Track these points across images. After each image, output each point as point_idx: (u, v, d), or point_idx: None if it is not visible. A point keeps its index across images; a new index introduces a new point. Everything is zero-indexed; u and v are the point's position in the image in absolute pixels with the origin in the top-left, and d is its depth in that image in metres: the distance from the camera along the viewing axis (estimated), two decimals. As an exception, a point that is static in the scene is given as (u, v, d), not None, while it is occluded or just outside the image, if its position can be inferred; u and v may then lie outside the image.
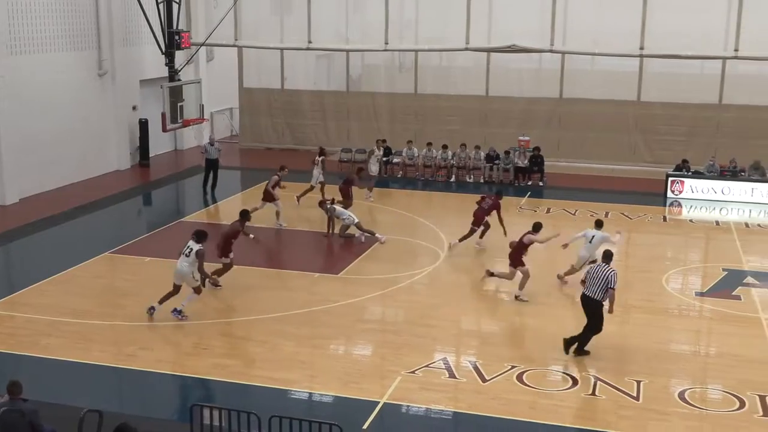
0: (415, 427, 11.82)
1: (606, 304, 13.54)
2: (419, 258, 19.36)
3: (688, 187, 25.57)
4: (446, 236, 20.66)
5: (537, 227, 16.72)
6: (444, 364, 13.51)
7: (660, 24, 26.00)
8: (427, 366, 13.36)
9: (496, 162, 27.72)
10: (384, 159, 27.77)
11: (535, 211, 23.71)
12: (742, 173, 26.02)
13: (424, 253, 19.59)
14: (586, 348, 13.73)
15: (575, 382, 12.93)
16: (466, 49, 27.40)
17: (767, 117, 27.88)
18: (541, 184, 27.08)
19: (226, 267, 16.74)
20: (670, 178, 25.75)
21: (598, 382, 12.88)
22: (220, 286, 16.57)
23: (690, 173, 26.01)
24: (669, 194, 25.60)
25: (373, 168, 25.26)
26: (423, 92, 31.23)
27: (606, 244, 16.31)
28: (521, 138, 28.29)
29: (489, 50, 28.31)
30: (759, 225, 23.09)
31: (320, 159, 23.85)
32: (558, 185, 26.83)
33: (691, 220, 23.71)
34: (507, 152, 27.64)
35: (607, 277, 13.33)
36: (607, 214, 23.07)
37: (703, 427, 11.77)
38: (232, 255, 16.72)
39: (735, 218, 23.55)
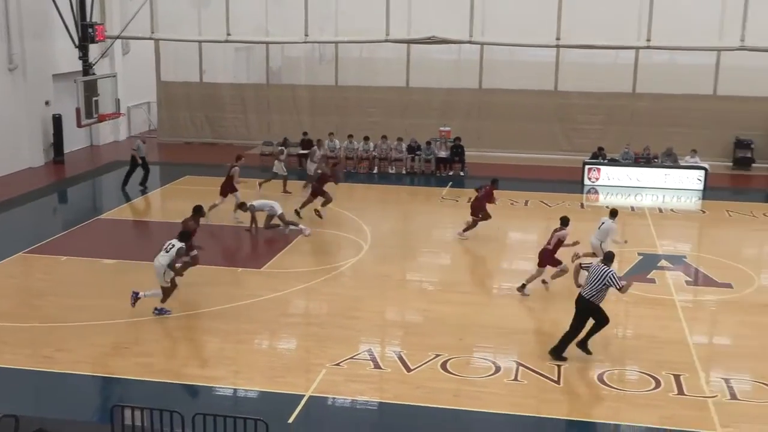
0: (340, 419, 11.83)
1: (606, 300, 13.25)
2: (343, 250, 19.37)
3: (604, 174, 26.20)
4: (369, 228, 20.73)
5: (566, 221, 16.38)
6: (369, 355, 13.55)
7: (575, 14, 26.57)
8: (352, 358, 13.38)
9: (418, 153, 27.91)
10: (305, 152, 27.66)
11: (457, 200, 23.97)
12: (656, 160, 26.80)
13: (348, 245, 19.61)
14: (588, 348, 13.37)
15: (498, 368, 13.13)
16: (386, 40, 27.51)
17: (679, 105, 28.77)
18: (462, 173, 27.37)
19: (193, 261, 16.36)
20: (587, 166, 26.35)
21: (520, 368, 13.11)
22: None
23: (606, 161, 26.66)
24: (586, 181, 26.19)
25: (313, 167, 24.89)
26: (344, 84, 31.23)
27: (609, 238, 16.64)
28: (442, 128, 28.54)
29: (409, 42, 28.47)
30: (672, 210, 23.82)
31: (278, 150, 23.83)
32: (479, 175, 27.11)
33: (607, 207, 24.16)
34: (428, 143, 27.85)
35: (605, 278, 12.93)
36: (527, 203, 23.53)
37: (620, 407, 12.08)
38: (195, 252, 16.35)
39: (649, 204, 24.23)
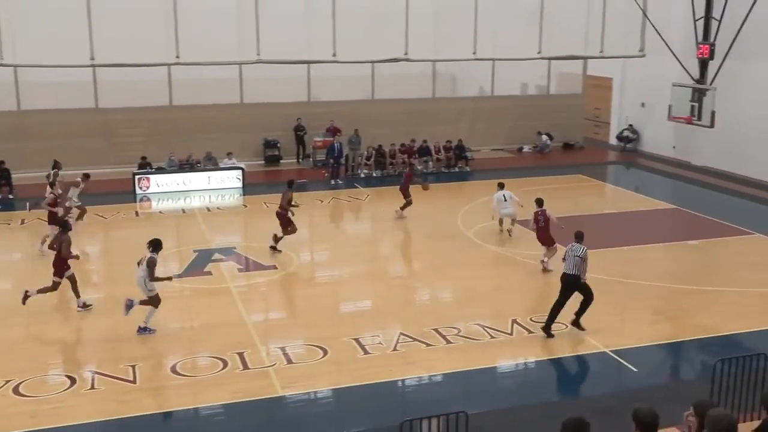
0: None
1: (584, 276, 13.97)
2: None
3: (153, 182, 26.02)
4: None
5: (541, 202, 17.98)
6: (-71, 396, 11.87)
7: (107, 35, 25.74)
8: None
9: (-41, 180, 24.94)
10: None
11: (9, 223, 22.07)
12: (198, 164, 27.39)
13: None
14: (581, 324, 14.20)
15: (74, 381, 12.40)
16: None
17: (213, 114, 29.55)
18: (11, 197, 25.15)
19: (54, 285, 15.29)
20: (137, 176, 25.95)
21: (96, 376, 12.55)
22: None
23: (153, 170, 26.51)
24: (138, 191, 25.76)
25: (77, 200, 20.94)
26: None
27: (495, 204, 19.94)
28: (-19, 154, 25.85)
29: None
30: (218, 208, 24.55)
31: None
32: (28, 195, 25.13)
33: (161, 212, 24.17)
34: (-31, 169, 25.04)
35: (578, 253, 13.82)
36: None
37: (196, 392, 12.19)
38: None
39: (198, 205, 24.67)
